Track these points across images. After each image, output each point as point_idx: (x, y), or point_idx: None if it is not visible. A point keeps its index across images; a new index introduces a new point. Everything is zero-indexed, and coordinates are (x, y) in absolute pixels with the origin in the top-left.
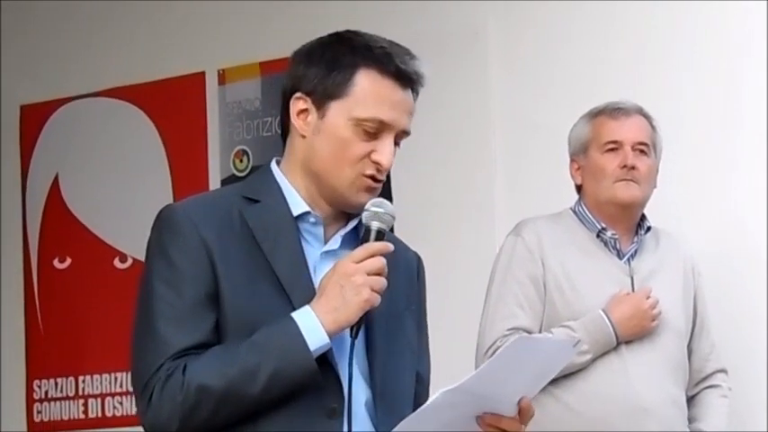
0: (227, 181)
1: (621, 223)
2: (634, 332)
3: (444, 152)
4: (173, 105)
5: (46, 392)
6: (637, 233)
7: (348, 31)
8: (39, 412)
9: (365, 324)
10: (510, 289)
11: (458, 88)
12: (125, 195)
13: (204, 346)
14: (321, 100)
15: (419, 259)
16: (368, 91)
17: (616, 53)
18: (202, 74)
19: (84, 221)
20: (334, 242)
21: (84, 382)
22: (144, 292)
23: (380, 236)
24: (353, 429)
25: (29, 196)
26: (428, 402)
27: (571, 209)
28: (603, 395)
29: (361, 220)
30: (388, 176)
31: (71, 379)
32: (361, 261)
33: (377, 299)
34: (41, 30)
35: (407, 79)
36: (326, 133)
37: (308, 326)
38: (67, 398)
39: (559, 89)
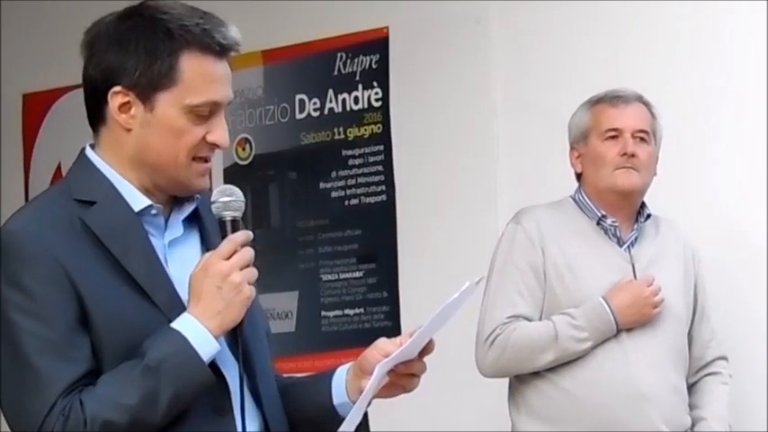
0: (230, 169)
1: (621, 211)
2: (634, 320)
3: (447, 139)
4: None
5: None
6: (637, 221)
7: (149, 7)
8: None
9: None
10: (510, 277)
11: (460, 75)
12: None
13: (90, 375)
14: (146, 92)
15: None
16: (195, 75)
17: (618, 40)
18: None
19: None
20: (177, 229)
21: None
22: (2, 329)
23: (236, 225)
24: (246, 420)
25: (32, 185)
26: (371, 382)
27: (571, 197)
28: (604, 382)
29: (194, 200)
30: (391, 162)
31: None
32: (230, 256)
33: (254, 292)
34: (44, 18)
35: (228, 51)
36: (158, 126)
37: (197, 335)
38: None
39: (562, 76)
